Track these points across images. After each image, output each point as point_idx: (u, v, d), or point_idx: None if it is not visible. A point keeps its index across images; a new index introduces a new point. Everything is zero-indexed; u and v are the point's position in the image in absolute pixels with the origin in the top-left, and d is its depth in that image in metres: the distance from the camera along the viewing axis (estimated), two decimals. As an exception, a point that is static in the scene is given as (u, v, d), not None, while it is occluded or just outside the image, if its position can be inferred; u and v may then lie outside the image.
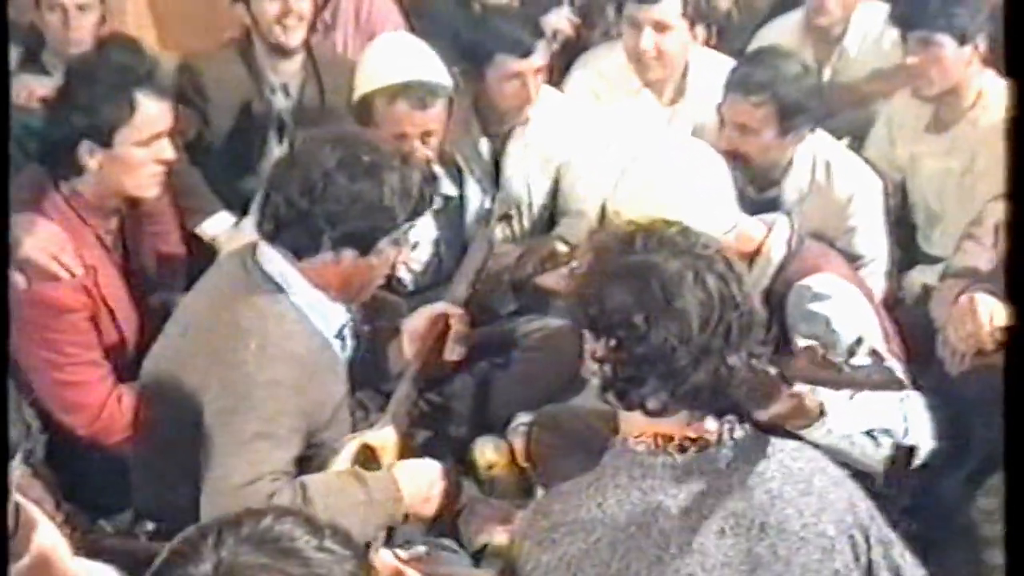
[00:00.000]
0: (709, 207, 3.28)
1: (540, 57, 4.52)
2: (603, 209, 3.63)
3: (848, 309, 3.32)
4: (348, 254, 3.08)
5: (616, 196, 3.40)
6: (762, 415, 2.69)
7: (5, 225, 2.45)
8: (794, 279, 3.34)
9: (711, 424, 2.37)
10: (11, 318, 3.17)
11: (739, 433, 2.38)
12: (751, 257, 3.38)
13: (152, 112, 3.51)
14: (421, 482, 3.08)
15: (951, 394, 3.32)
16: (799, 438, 2.67)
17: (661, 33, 4.67)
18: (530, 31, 4.55)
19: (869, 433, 2.93)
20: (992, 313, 3.33)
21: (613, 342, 2.31)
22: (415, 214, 3.13)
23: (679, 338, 2.27)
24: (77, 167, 3.52)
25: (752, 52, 4.55)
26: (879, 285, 4.13)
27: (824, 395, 2.82)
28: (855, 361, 2.70)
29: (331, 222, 3.04)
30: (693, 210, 3.17)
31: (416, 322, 3.46)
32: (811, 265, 3.37)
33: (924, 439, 3.03)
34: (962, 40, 4.31)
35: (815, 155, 4.16)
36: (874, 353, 2.79)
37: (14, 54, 4.75)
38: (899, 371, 3.02)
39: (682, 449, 2.34)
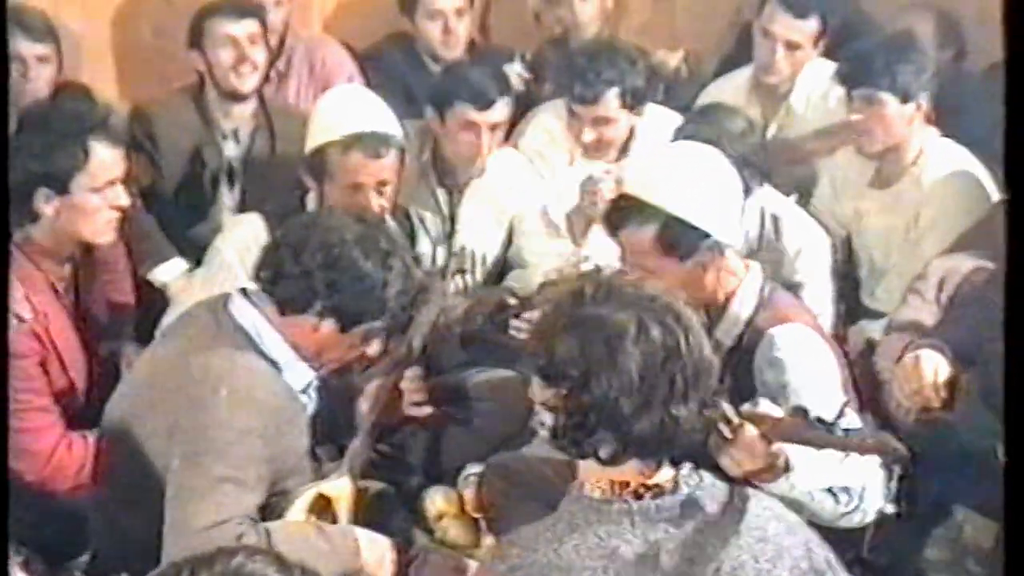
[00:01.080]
0: (719, 213, 3.34)
1: (499, 113, 4.56)
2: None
3: (815, 360, 3.34)
4: (329, 324, 3.14)
5: (631, 176, 3.47)
6: (735, 470, 2.75)
7: (6, 226, 2.46)
8: (764, 327, 3.35)
9: (667, 472, 2.40)
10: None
11: (695, 480, 2.41)
12: (724, 302, 3.41)
13: (106, 158, 3.57)
14: (376, 549, 3.13)
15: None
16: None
17: (603, 125, 4.72)
18: (495, 85, 4.58)
19: (830, 490, 2.97)
20: (937, 370, 3.38)
21: (562, 391, 2.36)
22: (401, 313, 3.20)
23: (620, 389, 2.32)
24: (33, 214, 3.55)
25: (697, 109, 4.62)
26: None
27: (790, 449, 2.87)
28: (845, 424, 2.76)
29: (329, 290, 3.10)
30: (702, 209, 3.28)
31: (374, 381, 3.52)
32: (781, 315, 3.39)
33: (875, 497, 3.07)
34: (905, 98, 4.39)
35: (763, 209, 4.22)
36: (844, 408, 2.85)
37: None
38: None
39: (638, 496, 2.38)
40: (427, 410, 3.57)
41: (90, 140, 3.54)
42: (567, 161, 4.94)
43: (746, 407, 2.88)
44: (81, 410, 3.60)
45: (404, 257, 3.18)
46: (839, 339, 4.30)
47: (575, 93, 4.69)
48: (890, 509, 3.12)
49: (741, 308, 3.40)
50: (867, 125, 4.43)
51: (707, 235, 3.31)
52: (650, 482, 2.38)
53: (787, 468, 2.87)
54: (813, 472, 2.90)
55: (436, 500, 3.89)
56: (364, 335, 3.20)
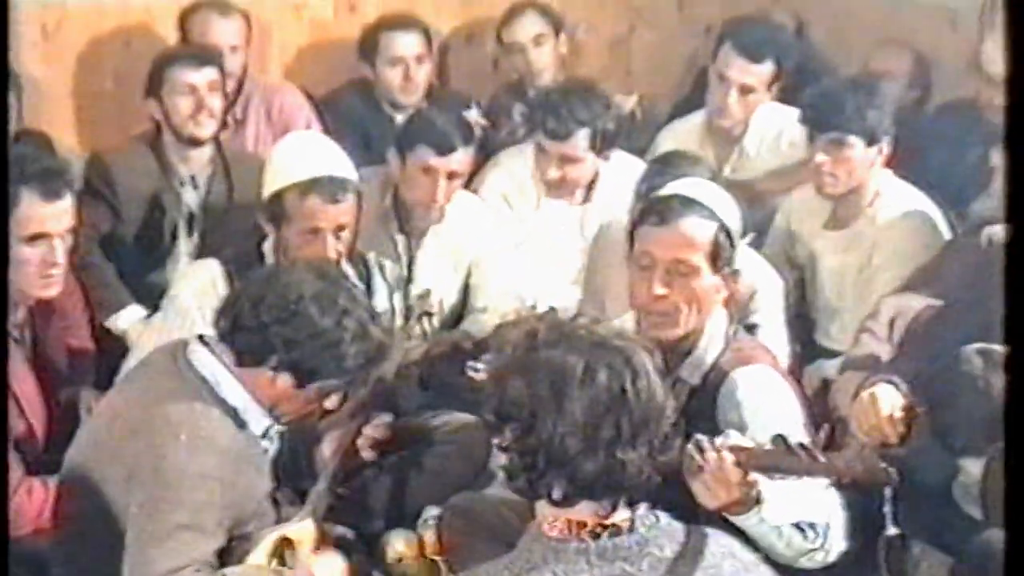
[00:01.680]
0: (735, 228, 3.45)
1: (458, 161, 4.57)
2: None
3: (778, 400, 3.37)
4: (285, 379, 3.15)
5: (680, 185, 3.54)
6: (710, 502, 2.77)
7: (5, 228, 2.47)
8: (728, 368, 3.38)
9: (623, 512, 2.43)
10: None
11: (650, 521, 2.43)
12: (692, 342, 3.43)
13: (35, 211, 3.52)
14: None
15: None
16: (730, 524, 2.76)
17: (570, 164, 4.77)
18: (459, 133, 4.60)
19: (798, 525, 3.01)
20: (893, 404, 3.43)
21: (512, 433, 2.39)
22: (361, 370, 3.20)
23: (565, 431, 2.35)
24: None
25: (659, 156, 4.63)
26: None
27: (761, 482, 2.90)
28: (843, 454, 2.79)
29: (285, 346, 3.11)
30: (738, 231, 3.40)
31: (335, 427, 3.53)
32: (745, 356, 3.42)
33: (839, 535, 3.12)
34: (871, 141, 4.44)
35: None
36: (861, 447, 2.88)
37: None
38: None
39: (595, 536, 2.39)
40: (372, 453, 3.59)
41: (21, 188, 3.49)
42: (533, 204, 4.98)
43: (720, 439, 2.92)
44: (40, 456, 3.58)
45: (362, 315, 3.17)
46: (795, 379, 4.37)
47: (546, 128, 4.74)
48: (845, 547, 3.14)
49: (708, 348, 3.43)
50: (832, 167, 4.47)
51: (732, 259, 3.42)
52: (607, 522, 2.41)
53: (758, 501, 2.91)
54: (783, 506, 2.94)
55: (396, 544, 3.89)
56: (320, 391, 3.21)
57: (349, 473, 3.71)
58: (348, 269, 4.20)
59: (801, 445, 2.81)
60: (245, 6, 5.34)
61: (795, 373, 4.31)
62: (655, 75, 6.08)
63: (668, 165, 4.27)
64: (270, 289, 3.13)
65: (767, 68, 4.98)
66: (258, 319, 3.10)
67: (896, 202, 4.54)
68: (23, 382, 3.61)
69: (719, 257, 3.38)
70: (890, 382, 3.46)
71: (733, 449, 2.87)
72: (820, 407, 4.00)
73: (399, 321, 4.50)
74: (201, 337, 3.23)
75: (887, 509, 3.00)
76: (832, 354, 4.49)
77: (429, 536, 3.84)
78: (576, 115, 4.70)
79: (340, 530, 3.48)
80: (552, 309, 4.43)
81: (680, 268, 3.36)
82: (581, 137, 4.72)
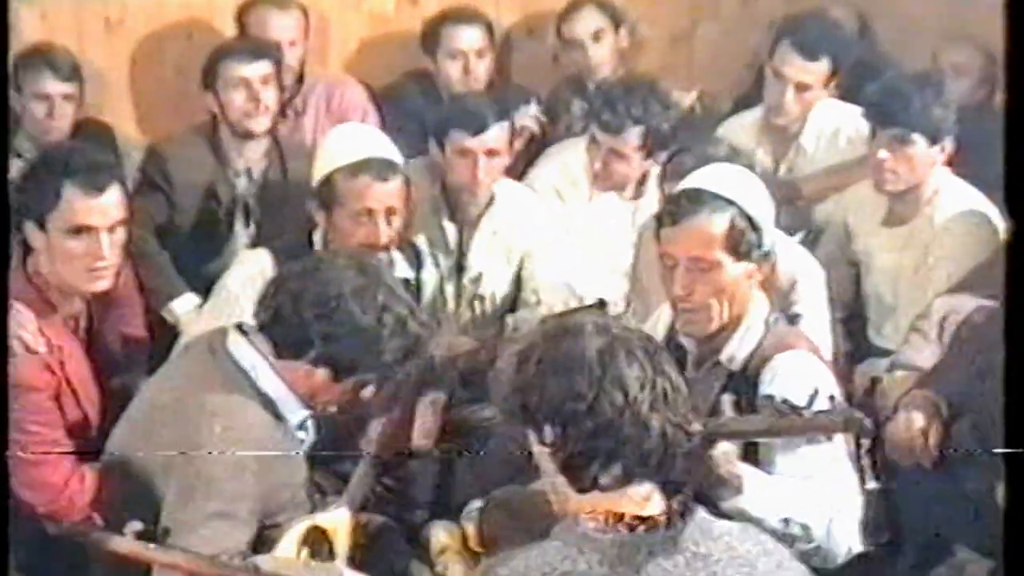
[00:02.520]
0: (771, 224, 3.45)
1: (494, 138, 4.57)
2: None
3: (817, 384, 3.30)
4: (322, 373, 3.19)
5: (700, 175, 3.52)
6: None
7: (6, 233, 2.51)
8: (769, 354, 3.37)
9: (659, 504, 2.43)
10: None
11: (688, 514, 2.43)
12: (732, 328, 3.43)
13: (78, 204, 3.56)
14: None
15: (891, 487, 3.42)
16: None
17: (617, 159, 4.77)
18: (490, 111, 4.61)
19: (787, 522, 3.01)
20: (927, 432, 3.41)
21: (559, 428, 2.39)
22: (398, 364, 3.24)
23: (624, 405, 2.35)
24: (26, 245, 3.60)
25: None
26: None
27: (745, 470, 2.90)
28: (815, 407, 2.78)
29: (324, 340, 3.15)
30: (763, 215, 3.40)
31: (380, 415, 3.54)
32: (785, 342, 3.42)
33: (850, 538, 3.10)
34: (933, 139, 4.41)
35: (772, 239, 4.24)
36: (831, 399, 2.86)
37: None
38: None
39: (631, 528, 2.39)
40: (428, 442, 3.59)
41: (64, 181, 3.55)
42: (585, 198, 4.99)
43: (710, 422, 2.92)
44: (94, 443, 3.60)
45: (401, 310, 3.19)
46: (845, 377, 4.35)
47: (601, 120, 4.74)
48: (859, 548, 3.14)
49: (747, 335, 3.42)
50: (893, 165, 4.44)
51: (760, 243, 3.39)
52: (644, 514, 2.41)
53: (739, 489, 2.92)
54: (765, 500, 2.96)
55: (439, 534, 3.90)
56: (357, 383, 3.24)
57: (393, 462, 3.72)
58: (398, 256, 4.24)
59: (785, 402, 2.80)
60: (304, 1, 5.38)
61: (842, 368, 4.32)
62: (717, 70, 6.05)
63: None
64: (310, 283, 3.16)
65: (824, 65, 4.95)
66: (298, 313, 3.14)
67: (955, 201, 4.50)
68: (79, 370, 3.66)
69: (740, 244, 3.37)
70: (927, 402, 3.43)
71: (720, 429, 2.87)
72: (867, 407, 3.99)
73: (451, 305, 4.55)
74: (240, 326, 3.26)
75: (864, 462, 3.01)
76: (885, 352, 4.47)
77: (471, 528, 3.85)
78: (632, 112, 4.70)
79: (380, 520, 3.50)
80: (600, 301, 4.45)
81: (700, 265, 3.36)
82: (634, 135, 4.72)
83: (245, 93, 4.82)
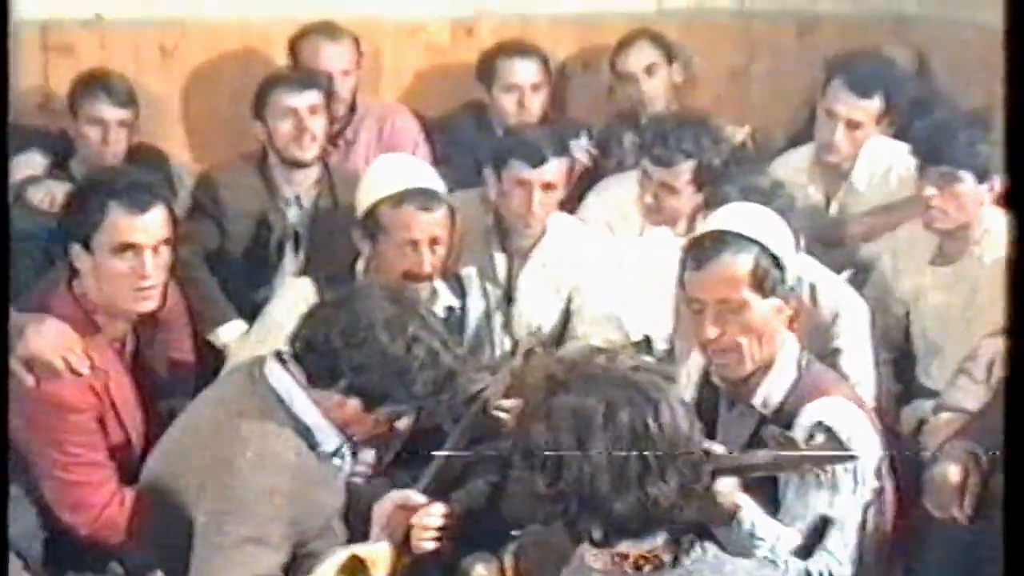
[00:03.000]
0: (794, 261, 3.46)
1: (551, 172, 4.57)
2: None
3: (857, 435, 3.31)
4: (354, 404, 3.21)
5: (723, 216, 3.55)
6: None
7: (6, 227, 2.53)
8: (803, 401, 3.35)
9: (668, 543, 2.42)
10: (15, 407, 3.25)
11: (697, 553, 2.42)
12: (762, 372, 3.41)
13: (122, 222, 3.58)
14: None
15: (932, 535, 3.42)
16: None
17: (668, 193, 4.75)
18: (550, 145, 4.61)
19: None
20: (965, 487, 3.38)
21: (542, 478, 2.40)
22: (430, 397, 3.24)
23: (592, 474, 2.36)
24: (72, 267, 3.64)
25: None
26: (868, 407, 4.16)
27: (744, 500, 2.89)
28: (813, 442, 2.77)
29: (354, 370, 3.16)
30: (786, 253, 3.41)
31: (382, 507, 3.39)
32: (821, 387, 3.40)
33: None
34: (981, 177, 4.38)
35: (800, 277, 4.21)
36: (828, 430, 2.84)
37: (43, 160, 4.91)
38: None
39: (637, 567, 2.40)
40: (431, 545, 3.41)
41: (109, 202, 3.58)
42: (636, 232, 4.98)
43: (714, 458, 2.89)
44: (137, 465, 3.61)
45: (433, 342, 3.19)
46: (891, 417, 4.31)
47: (652, 153, 4.72)
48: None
49: (779, 378, 3.41)
50: (941, 203, 4.41)
51: (783, 280, 3.39)
52: (649, 554, 2.40)
53: (734, 516, 2.92)
54: (764, 531, 2.95)
55: (477, 567, 3.89)
56: (389, 414, 3.25)
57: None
58: (442, 285, 4.25)
59: (783, 435, 2.78)
60: (358, 30, 5.41)
61: (889, 408, 4.29)
62: (771, 107, 6.02)
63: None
64: (342, 313, 3.18)
65: (876, 103, 4.93)
66: (329, 343, 3.15)
67: (1003, 240, 4.45)
68: (123, 392, 3.68)
69: (765, 281, 3.37)
70: (966, 455, 3.40)
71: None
72: (913, 448, 3.96)
73: (497, 338, 4.54)
74: (279, 354, 3.28)
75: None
76: (932, 394, 4.41)
77: (509, 561, 3.84)
78: (683, 145, 4.68)
79: (418, 552, 3.48)
80: (646, 338, 4.45)
81: (729, 306, 3.35)
82: (685, 169, 4.69)
83: (293, 122, 4.85)
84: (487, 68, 5.53)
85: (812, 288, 4.21)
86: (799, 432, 3.19)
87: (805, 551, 3.12)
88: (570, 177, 4.76)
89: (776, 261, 3.39)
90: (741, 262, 3.36)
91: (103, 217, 3.57)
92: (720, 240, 3.40)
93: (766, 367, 3.41)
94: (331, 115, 5.00)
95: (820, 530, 3.08)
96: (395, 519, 3.32)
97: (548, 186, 4.58)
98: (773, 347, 3.41)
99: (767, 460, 2.83)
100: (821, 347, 4.09)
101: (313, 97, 4.90)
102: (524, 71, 5.49)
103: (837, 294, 4.26)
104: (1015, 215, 2.12)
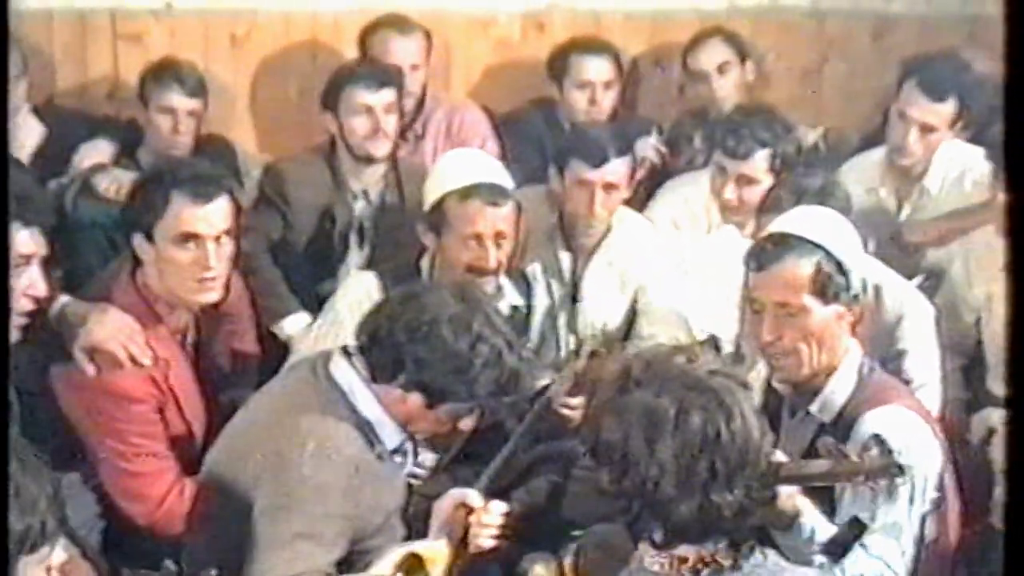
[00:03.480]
0: (860, 266, 3.44)
1: (613, 173, 4.53)
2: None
3: (915, 446, 3.27)
4: (416, 399, 3.18)
5: (788, 218, 3.53)
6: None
7: (6, 228, 2.53)
8: (863, 409, 3.31)
9: (728, 548, 2.39)
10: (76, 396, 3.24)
11: (757, 559, 2.39)
12: (824, 379, 3.37)
13: (184, 212, 3.57)
14: None
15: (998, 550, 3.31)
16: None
17: (746, 186, 4.70)
18: (613, 145, 4.56)
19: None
20: None
21: (608, 475, 2.37)
22: (491, 397, 3.21)
23: (658, 475, 2.34)
24: (135, 257, 3.64)
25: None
26: (934, 412, 4.08)
27: (803, 504, 2.84)
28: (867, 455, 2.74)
29: (416, 365, 3.14)
30: (852, 257, 3.38)
31: (439, 507, 3.33)
32: (882, 396, 3.36)
33: None
34: None
35: (865, 279, 4.15)
36: (882, 443, 2.80)
37: (110, 149, 4.92)
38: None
39: (696, 572, 2.38)
40: (488, 543, 3.34)
41: (172, 191, 3.57)
42: (704, 231, 4.94)
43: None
44: (199, 456, 3.61)
45: (497, 341, 3.16)
46: (961, 426, 4.25)
47: (726, 146, 4.68)
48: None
49: (839, 385, 3.38)
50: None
51: (848, 286, 3.36)
52: (709, 558, 2.37)
53: (796, 516, 2.86)
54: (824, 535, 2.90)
55: (536, 567, 3.87)
56: (451, 412, 3.22)
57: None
58: (507, 283, 4.22)
59: (837, 446, 2.74)
60: (429, 24, 5.40)
61: (959, 417, 4.23)
62: (845, 107, 5.97)
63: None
64: (409, 307, 3.16)
65: (949, 107, 4.85)
66: (393, 336, 3.13)
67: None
68: (185, 384, 3.68)
69: (827, 288, 3.34)
70: None
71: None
72: (983, 458, 3.90)
73: (562, 336, 4.51)
74: (345, 348, 3.27)
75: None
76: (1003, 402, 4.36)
77: (569, 561, 3.81)
78: (757, 135, 4.66)
79: (477, 551, 3.46)
80: (712, 338, 4.40)
81: (787, 310, 3.34)
82: (760, 158, 4.65)
83: (368, 120, 4.83)
84: (559, 63, 5.49)
85: (877, 289, 4.16)
86: (853, 445, 3.14)
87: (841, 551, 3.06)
88: (633, 177, 4.70)
89: (840, 266, 3.37)
90: (803, 266, 3.35)
91: (166, 207, 3.56)
92: (783, 243, 3.38)
93: (827, 373, 3.38)
94: (401, 111, 4.98)
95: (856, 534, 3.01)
96: (454, 517, 3.29)
97: (610, 186, 4.54)
98: (834, 353, 3.38)
99: (822, 470, 2.78)
100: (885, 349, 4.07)
101: (389, 95, 4.88)
102: (596, 69, 5.44)
103: (902, 296, 4.21)
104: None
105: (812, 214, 3.56)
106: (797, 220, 3.49)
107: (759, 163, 4.67)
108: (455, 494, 3.30)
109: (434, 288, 3.28)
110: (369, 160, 4.88)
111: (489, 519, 3.29)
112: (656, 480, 2.34)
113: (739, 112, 4.94)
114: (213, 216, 3.61)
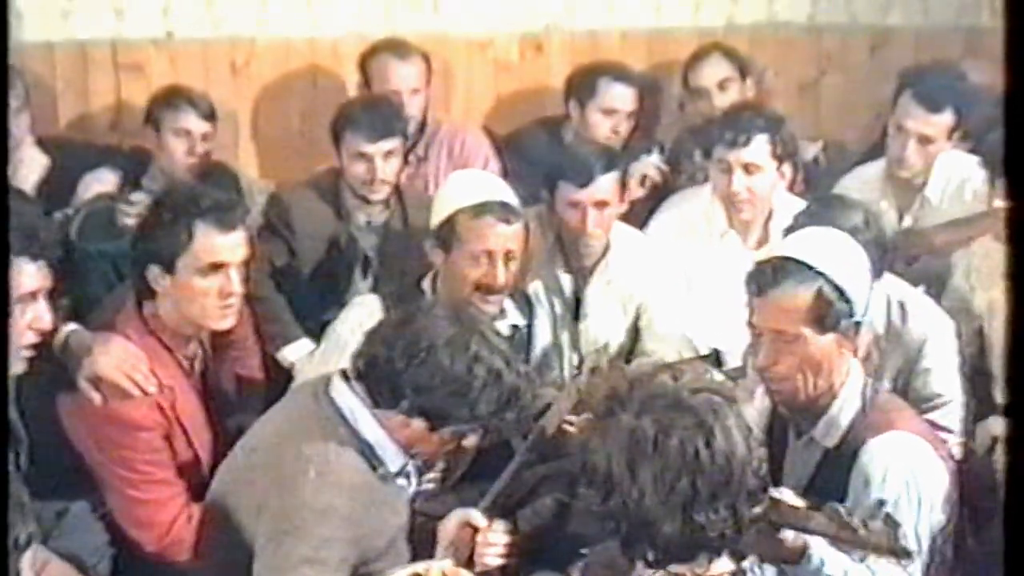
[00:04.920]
0: (863, 293, 3.36)
1: (602, 190, 4.52)
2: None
3: (916, 473, 3.25)
4: (418, 424, 3.18)
5: (790, 242, 3.49)
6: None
7: (5, 228, 2.54)
8: (867, 435, 3.28)
9: (725, 564, 2.40)
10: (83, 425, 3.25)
11: (755, 574, 2.40)
12: (827, 403, 3.35)
13: (211, 243, 3.60)
14: None
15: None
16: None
17: (751, 175, 4.71)
18: (598, 162, 4.56)
19: None
20: None
21: (596, 496, 2.39)
22: (493, 416, 3.21)
23: (640, 496, 2.35)
24: (149, 289, 3.64)
25: (813, 200, 4.51)
26: (956, 427, 4.12)
27: (812, 540, 2.83)
28: (872, 525, 2.71)
29: (416, 390, 3.14)
30: (854, 285, 3.31)
31: (445, 527, 3.34)
32: (885, 420, 3.32)
33: None
34: None
35: (889, 297, 4.16)
36: (888, 519, 2.78)
37: (114, 178, 4.94)
38: (912, 542, 3.00)
39: (693, 589, 2.38)
40: (494, 562, 3.35)
41: (197, 222, 3.59)
42: (705, 247, 4.94)
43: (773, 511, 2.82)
44: (205, 482, 3.62)
45: (495, 360, 3.16)
46: (967, 435, 4.25)
47: (725, 139, 4.70)
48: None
49: (843, 409, 3.34)
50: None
51: (851, 313, 3.30)
52: (706, 575, 2.38)
53: (803, 553, 2.83)
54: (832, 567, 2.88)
55: (542, 585, 3.88)
56: (455, 433, 3.22)
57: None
58: (509, 304, 4.23)
59: (837, 511, 2.73)
60: (428, 47, 5.42)
61: (965, 425, 4.23)
62: (844, 120, 6.00)
63: (825, 207, 4.18)
64: (404, 333, 3.16)
65: (947, 118, 4.88)
66: (390, 363, 3.14)
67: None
68: (191, 411, 3.70)
69: (827, 316, 3.27)
70: None
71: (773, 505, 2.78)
72: (986, 467, 3.90)
73: (566, 354, 4.51)
74: (344, 372, 3.27)
75: None
76: (1007, 410, 4.36)
77: (576, 579, 3.82)
78: (753, 123, 4.69)
79: (482, 569, 3.47)
80: (715, 352, 4.40)
81: (783, 337, 3.28)
82: (761, 142, 4.68)
83: (366, 168, 4.83)
84: (585, 85, 5.48)
85: (902, 307, 4.16)
86: (859, 513, 2.98)
87: None
88: (624, 192, 4.68)
89: (842, 293, 3.29)
90: (801, 295, 3.27)
91: (190, 239, 3.58)
92: (783, 269, 3.30)
93: (830, 396, 3.34)
94: (404, 156, 4.99)
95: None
96: (460, 537, 3.29)
97: (601, 204, 4.54)
98: (834, 379, 3.33)
99: (823, 529, 2.77)
100: (910, 368, 4.08)
101: (388, 144, 4.86)
102: (623, 97, 5.46)
103: (927, 314, 4.20)
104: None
105: (818, 236, 3.50)
106: (801, 243, 3.43)
107: (760, 147, 4.69)
108: (460, 514, 3.31)
109: (428, 311, 3.25)
110: (366, 201, 4.90)
111: (494, 538, 3.30)
112: (638, 501, 2.35)
113: (732, 108, 5.00)
114: (236, 244, 3.66)
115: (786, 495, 2.81)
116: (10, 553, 2.35)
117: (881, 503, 2.94)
